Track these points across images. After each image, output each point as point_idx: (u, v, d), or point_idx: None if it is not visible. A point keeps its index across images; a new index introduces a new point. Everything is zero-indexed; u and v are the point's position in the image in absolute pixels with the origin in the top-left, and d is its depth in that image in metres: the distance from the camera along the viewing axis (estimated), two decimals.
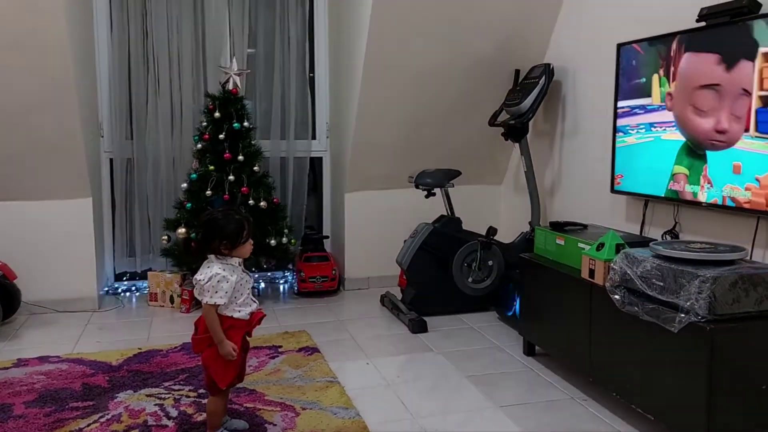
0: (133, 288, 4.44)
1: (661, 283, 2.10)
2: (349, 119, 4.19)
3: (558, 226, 3.00)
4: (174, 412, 2.51)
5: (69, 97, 3.58)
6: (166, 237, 3.98)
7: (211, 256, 2.14)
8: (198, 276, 2.14)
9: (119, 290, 4.40)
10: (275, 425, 2.39)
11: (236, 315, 2.16)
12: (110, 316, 3.92)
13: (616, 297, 2.27)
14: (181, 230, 3.81)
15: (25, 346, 3.36)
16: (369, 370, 2.98)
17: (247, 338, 2.28)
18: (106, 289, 4.39)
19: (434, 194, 3.84)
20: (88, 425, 2.40)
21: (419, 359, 3.13)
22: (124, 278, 4.52)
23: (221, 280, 2.09)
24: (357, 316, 3.88)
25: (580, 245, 2.70)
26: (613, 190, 3.13)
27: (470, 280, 3.82)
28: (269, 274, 4.63)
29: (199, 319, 2.20)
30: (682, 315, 1.98)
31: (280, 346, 3.27)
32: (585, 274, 2.55)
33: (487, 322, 3.70)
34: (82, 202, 3.96)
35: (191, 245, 2.24)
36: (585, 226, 3.04)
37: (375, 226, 4.42)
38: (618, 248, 2.44)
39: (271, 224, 3.95)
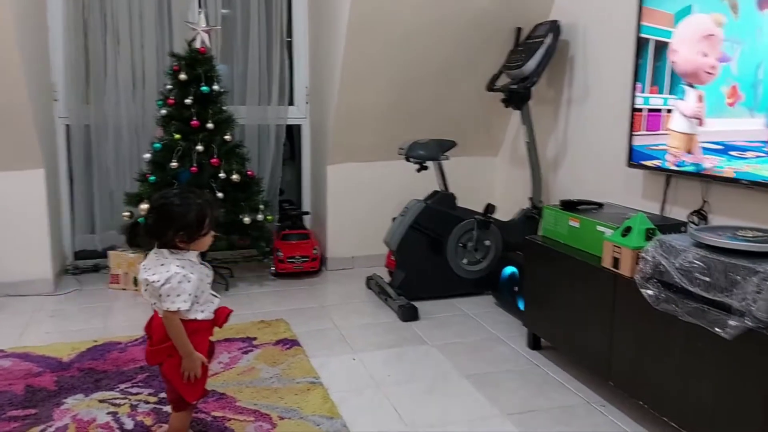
0: (95, 268, 4.04)
1: (707, 279, 1.76)
2: (331, 83, 3.77)
3: (570, 205, 2.65)
4: (129, 423, 2.15)
5: (11, 55, 3.12)
6: (127, 213, 3.56)
7: (163, 251, 1.75)
8: (150, 276, 1.73)
9: (78, 270, 3.99)
10: None
11: (200, 316, 1.79)
12: (66, 301, 3.53)
13: (649, 292, 1.93)
14: (144, 206, 3.40)
15: None
16: (355, 368, 2.64)
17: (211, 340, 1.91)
18: (66, 268, 3.98)
19: (426, 168, 3.47)
20: None
21: (411, 354, 2.80)
22: (84, 257, 4.11)
23: (182, 280, 1.71)
24: (341, 301, 3.52)
25: (600, 228, 2.35)
26: (629, 164, 2.78)
27: (465, 261, 3.48)
28: (244, 252, 4.24)
29: (149, 324, 1.83)
30: (736, 319, 1.65)
31: (255, 338, 2.92)
32: (607, 263, 2.21)
33: (483, 308, 3.37)
34: (33, 173, 3.52)
35: (137, 231, 1.79)
36: (600, 205, 2.70)
37: (360, 201, 4.04)
38: (648, 234, 2.10)
39: (246, 199, 3.55)
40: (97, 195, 4.03)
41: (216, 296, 1.87)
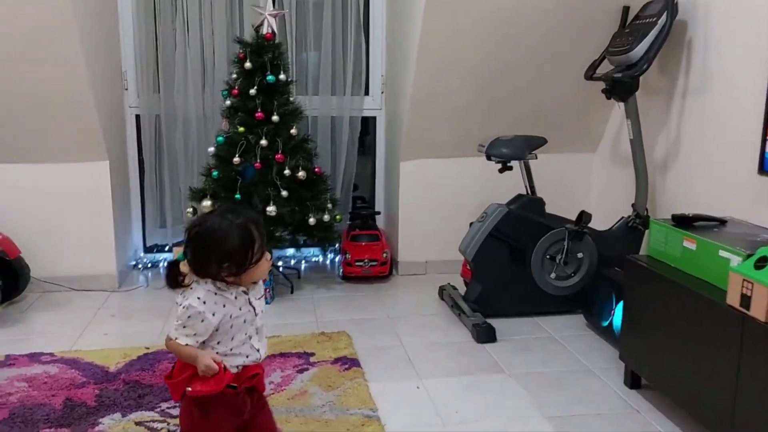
0: (164, 263, 3.93)
1: None
2: (406, 71, 3.43)
3: (684, 221, 2.19)
4: None
5: (73, 47, 3.00)
6: (190, 210, 3.40)
7: (206, 280, 1.47)
8: (178, 298, 1.49)
9: (147, 265, 3.90)
10: None
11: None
12: (129, 298, 3.42)
13: None
14: (206, 203, 3.22)
15: (22, 335, 2.89)
16: (419, 399, 2.31)
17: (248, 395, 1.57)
18: (134, 263, 3.90)
19: (510, 168, 3.07)
20: None
21: (485, 384, 2.44)
22: (155, 251, 4.02)
23: (194, 316, 1.43)
24: (410, 312, 3.20)
25: (724, 254, 1.89)
26: (761, 172, 2.27)
27: (553, 276, 3.06)
28: (311, 251, 4.00)
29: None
30: None
31: (313, 354, 2.65)
32: (734, 301, 1.76)
33: (572, 330, 2.95)
34: (98, 165, 3.42)
35: (176, 271, 1.51)
36: (722, 222, 2.22)
37: (435, 202, 3.69)
38: None
39: (312, 198, 3.29)
40: (167, 187, 3.92)
41: (258, 349, 1.54)
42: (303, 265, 3.93)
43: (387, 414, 2.18)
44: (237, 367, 1.50)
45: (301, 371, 2.50)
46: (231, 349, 1.49)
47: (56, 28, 2.94)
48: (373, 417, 2.15)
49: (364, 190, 4.19)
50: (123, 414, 2.18)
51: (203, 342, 1.47)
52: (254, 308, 1.51)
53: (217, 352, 1.47)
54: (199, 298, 1.43)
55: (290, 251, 3.95)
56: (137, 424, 2.11)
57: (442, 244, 3.62)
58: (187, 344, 1.45)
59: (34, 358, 2.62)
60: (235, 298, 1.47)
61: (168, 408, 2.21)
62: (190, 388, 1.47)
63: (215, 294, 1.45)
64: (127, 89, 3.76)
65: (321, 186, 3.38)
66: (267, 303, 3.20)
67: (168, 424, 2.11)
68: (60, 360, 2.60)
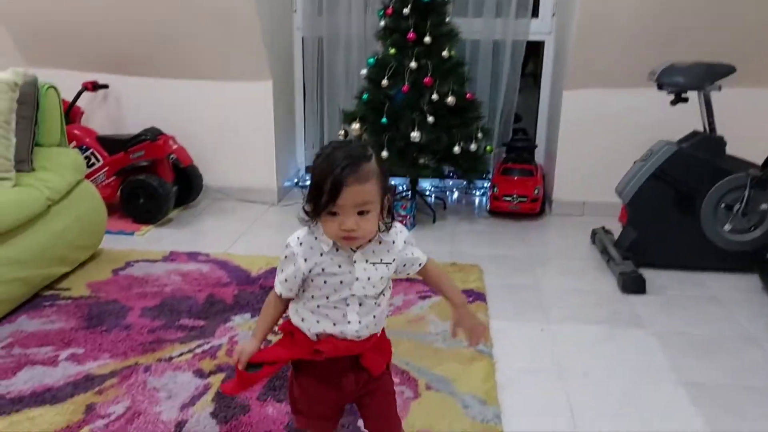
0: None
1: None
2: None
3: None
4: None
5: None
6: (342, 132, 3.46)
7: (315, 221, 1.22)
8: None
9: (303, 184, 4.09)
10: None
11: (299, 323, 1.27)
12: (284, 213, 3.62)
13: None
14: (355, 126, 3.24)
15: (188, 236, 3.20)
16: (541, 343, 2.17)
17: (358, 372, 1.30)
18: (295, 180, 4.11)
19: (686, 99, 2.65)
20: (180, 354, 2.05)
21: (619, 338, 2.21)
22: None
23: (289, 257, 1.23)
24: (554, 255, 3.00)
25: None
26: None
27: (728, 228, 2.65)
28: (461, 183, 3.89)
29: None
30: None
31: None
32: None
33: (741, 292, 2.56)
34: (262, 85, 3.59)
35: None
36: None
37: (598, 136, 3.36)
38: None
39: (460, 126, 3.16)
40: (326, 109, 4.02)
41: (351, 321, 1.24)
42: (451, 197, 3.85)
43: (501, 353, 2.08)
44: (316, 334, 1.25)
45: (423, 298, 2.46)
46: (318, 307, 1.23)
47: None
48: (485, 353, 2.06)
49: (527, 124, 3.95)
50: (252, 315, 2.32)
51: (299, 293, 1.26)
52: (356, 272, 1.21)
53: (311, 305, 1.24)
54: (298, 237, 1.24)
55: (440, 182, 3.88)
56: None
57: (603, 184, 3.28)
58: (280, 294, 1.27)
59: (192, 256, 2.89)
60: (337, 250, 1.20)
61: None
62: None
63: (315, 239, 1.21)
64: (295, 11, 3.86)
65: (471, 113, 3.22)
66: (407, 230, 3.21)
67: None
68: (213, 261, 2.84)
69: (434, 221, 3.40)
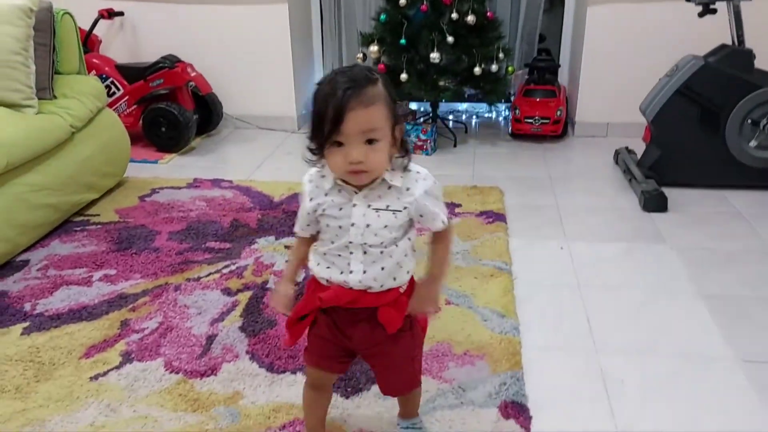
0: None
1: None
2: None
3: None
4: (301, 276, 2.08)
5: None
6: (360, 55, 3.40)
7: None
8: None
9: None
10: None
11: (314, 267, 1.18)
12: (305, 140, 3.61)
13: None
14: (373, 48, 3.19)
15: (210, 163, 3.24)
16: (559, 259, 2.19)
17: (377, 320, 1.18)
18: None
19: (714, 11, 2.55)
20: (208, 274, 2.12)
21: (640, 253, 2.22)
22: None
23: (302, 195, 1.17)
24: (575, 175, 2.98)
25: None
26: None
27: (754, 144, 2.60)
28: (482, 107, 3.84)
29: None
30: None
31: (459, 205, 2.62)
32: None
33: (766, 207, 2.53)
34: (276, 8, 3.52)
35: None
36: None
37: (624, 53, 3.27)
38: None
39: (480, 46, 3.09)
40: (344, 32, 3.96)
41: (352, 271, 1.13)
42: (473, 121, 3.81)
43: (520, 269, 2.11)
44: (326, 280, 1.16)
45: None
46: (324, 254, 1.15)
47: None
48: (505, 270, 2.10)
49: (551, 43, 3.84)
50: (276, 237, 2.38)
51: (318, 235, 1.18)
52: (353, 217, 1.10)
53: (321, 248, 1.16)
54: (310, 174, 1.15)
55: (461, 105, 3.84)
56: (286, 247, 2.29)
57: (628, 104, 3.22)
58: (297, 235, 1.21)
59: (215, 183, 2.93)
60: (339, 191, 1.11)
61: None
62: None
63: (322, 177, 1.13)
64: None
65: (492, 33, 3.15)
66: (426, 154, 3.21)
67: None
68: (236, 187, 2.88)
69: (455, 145, 3.39)
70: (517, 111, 3.38)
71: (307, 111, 3.89)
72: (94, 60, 3.30)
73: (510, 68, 3.29)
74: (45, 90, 2.36)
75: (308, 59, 3.95)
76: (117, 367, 1.65)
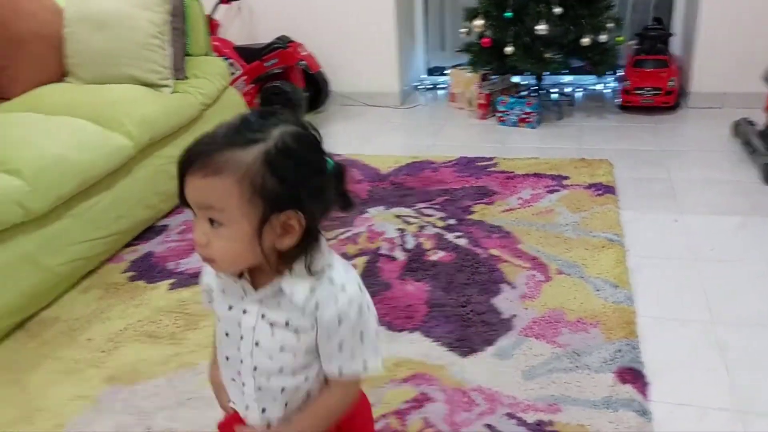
0: (441, 86, 4.12)
1: None
2: None
3: None
4: (411, 243, 2.19)
5: None
6: (465, 30, 3.42)
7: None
8: None
9: (424, 86, 4.13)
10: (513, 288, 1.89)
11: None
12: (407, 115, 3.71)
13: None
14: (478, 22, 3.21)
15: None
16: (673, 232, 2.16)
17: None
18: (416, 83, 4.16)
19: None
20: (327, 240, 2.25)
21: (756, 227, 2.15)
22: (436, 74, 4.22)
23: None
24: (690, 147, 2.89)
25: None
26: None
27: None
28: (588, 79, 3.76)
29: None
30: None
31: (567, 178, 2.62)
32: None
33: None
34: None
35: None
36: None
37: (744, 20, 3.10)
38: None
39: (589, 16, 3.04)
40: (448, 9, 3.98)
41: (248, 406, 0.86)
42: (579, 94, 3.75)
43: (632, 241, 2.11)
44: (231, 402, 0.90)
45: (551, 192, 2.50)
46: (221, 368, 0.90)
47: None
48: (616, 241, 2.10)
49: (662, 12, 3.69)
50: (386, 207, 2.49)
51: None
52: (243, 326, 0.83)
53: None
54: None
55: (566, 78, 3.78)
56: (396, 216, 2.40)
57: (747, 73, 3.08)
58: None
59: None
60: (233, 281, 0.83)
61: (423, 208, 2.45)
62: None
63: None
64: None
65: (601, 2, 3.08)
66: (531, 127, 3.20)
67: (420, 220, 2.35)
68: (345, 160, 2.99)
69: (560, 118, 3.36)
70: (627, 82, 3.29)
71: (409, 87, 4.00)
72: (215, 42, 3.51)
73: (619, 38, 3.20)
74: (179, 71, 2.57)
75: (411, 35, 4.01)
76: None
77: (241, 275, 0.82)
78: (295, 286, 0.79)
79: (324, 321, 0.79)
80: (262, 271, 0.81)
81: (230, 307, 0.84)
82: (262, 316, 0.81)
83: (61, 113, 2.13)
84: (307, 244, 0.79)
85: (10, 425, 1.42)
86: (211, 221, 0.76)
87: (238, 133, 0.75)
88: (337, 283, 0.81)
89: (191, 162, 0.75)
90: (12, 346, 1.70)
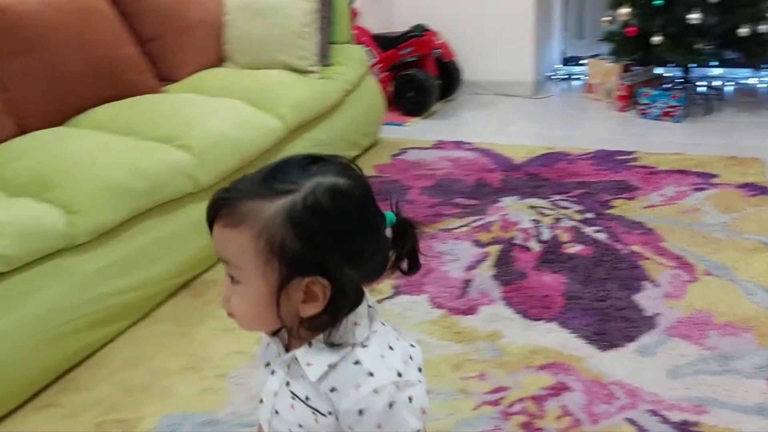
0: (576, 76, 4.02)
1: None
2: None
3: None
4: (546, 234, 2.18)
5: None
6: (608, 18, 3.31)
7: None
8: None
9: (558, 76, 4.05)
10: (657, 286, 1.83)
11: None
12: (540, 105, 3.66)
13: None
14: (623, 11, 3.10)
15: (451, 127, 3.43)
16: None
17: None
18: (551, 73, 4.08)
19: None
20: (459, 227, 2.29)
21: None
22: (571, 63, 4.12)
23: None
24: None
25: None
26: None
27: None
28: (740, 72, 3.51)
29: None
30: None
31: (716, 176, 2.48)
32: None
33: None
34: None
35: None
36: None
37: None
38: None
39: (747, 5, 2.83)
40: None
41: None
42: (729, 88, 3.51)
43: None
44: None
45: (698, 189, 2.39)
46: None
47: None
48: None
49: None
50: (520, 197, 2.48)
51: None
52: (265, 390, 0.76)
53: None
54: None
55: (715, 71, 3.55)
56: (530, 207, 2.39)
57: None
58: None
59: (458, 144, 3.11)
60: (274, 352, 0.77)
61: (559, 200, 2.42)
62: None
63: None
64: None
65: None
66: (676, 121, 3.05)
67: (556, 212, 2.33)
68: (477, 149, 3.03)
69: (707, 113, 3.17)
70: None
71: (542, 77, 3.93)
72: (354, 30, 3.64)
73: None
74: (325, 57, 2.70)
75: (547, 24, 3.94)
76: (390, 297, 1.90)
77: (277, 331, 0.74)
78: (312, 357, 0.69)
79: (341, 410, 0.67)
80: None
81: (267, 363, 0.76)
82: (287, 383, 0.72)
83: (221, 95, 2.32)
84: (334, 315, 0.68)
85: (180, 372, 1.59)
86: (232, 277, 0.69)
87: (269, 181, 0.67)
88: (363, 367, 0.67)
89: (217, 209, 0.68)
90: (179, 303, 1.88)
